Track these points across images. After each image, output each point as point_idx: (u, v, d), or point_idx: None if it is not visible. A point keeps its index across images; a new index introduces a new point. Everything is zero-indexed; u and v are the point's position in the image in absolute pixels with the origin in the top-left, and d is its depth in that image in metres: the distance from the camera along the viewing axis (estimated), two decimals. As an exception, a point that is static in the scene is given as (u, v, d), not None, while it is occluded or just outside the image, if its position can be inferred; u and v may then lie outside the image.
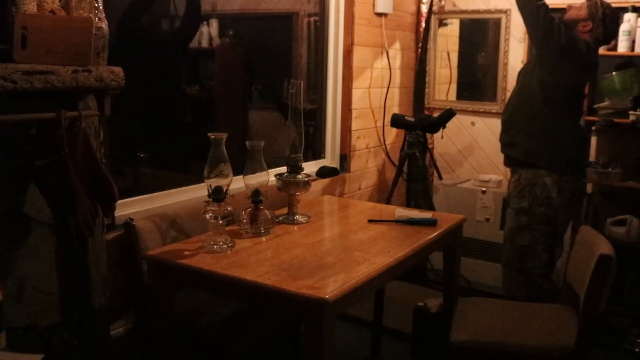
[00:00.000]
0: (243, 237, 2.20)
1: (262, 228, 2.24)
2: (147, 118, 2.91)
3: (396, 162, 3.91)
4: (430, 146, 4.26)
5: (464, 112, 4.25)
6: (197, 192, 2.68)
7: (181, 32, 3.12)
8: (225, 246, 2.05)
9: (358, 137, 3.79)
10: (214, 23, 3.43)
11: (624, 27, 3.34)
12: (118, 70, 1.84)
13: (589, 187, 3.70)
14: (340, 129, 3.71)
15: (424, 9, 4.21)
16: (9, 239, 1.75)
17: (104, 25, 1.85)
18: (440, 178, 4.09)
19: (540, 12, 2.83)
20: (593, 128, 3.65)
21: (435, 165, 4.13)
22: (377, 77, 3.90)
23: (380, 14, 3.81)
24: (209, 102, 3.47)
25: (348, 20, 3.60)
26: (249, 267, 1.90)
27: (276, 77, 3.78)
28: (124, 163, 2.78)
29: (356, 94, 3.71)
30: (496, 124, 3.21)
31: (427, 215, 2.56)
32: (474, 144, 4.30)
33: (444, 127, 3.72)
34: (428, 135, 3.95)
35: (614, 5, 3.01)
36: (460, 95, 4.40)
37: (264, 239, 2.20)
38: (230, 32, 3.56)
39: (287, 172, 2.43)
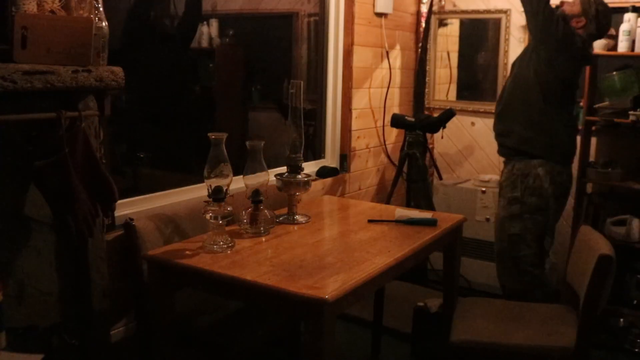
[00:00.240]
0: (243, 237, 2.20)
1: (262, 228, 2.24)
2: (147, 118, 2.91)
3: (396, 162, 3.91)
4: (430, 146, 4.26)
5: (464, 112, 4.25)
6: (197, 192, 2.68)
7: (181, 28, 3.12)
8: (225, 246, 2.05)
9: (358, 137, 3.79)
10: (214, 23, 3.43)
11: (624, 27, 3.34)
12: (118, 70, 1.84)
13: (589, 187, 3.70)
14: (340, 129, 3.71)
15: (424, 9, 4.22)
16: (9, 239, 1.75)
17: (104, 25, 1.85)
18: (440, 178, 4.09)
19: (540, 4, 2.86)
20: (593, 128, 3.65)
21: (435, 165, 4.13)
22: (377, 77, 3.90)
23: (380, 14, 3.81)
24: (209, 102, 3.47)
25: (348, 20, 3.60)
26: (249, 267, 1.90)
27: (276, 77, 3.78)
28: (124, 163, 2.78)
29: (356, 94, 3.71)
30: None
31: (427, 215, 2.56)
32: (474, 144, 4.30)
33: (444, 127, 3.72)
34: (428, 135, 3.95)
35: (614, 5, 3.02)
36: (460, 95, 4.40)
37: (264, 239, 2.20)
38: (230, 32, 3.56)
39: (287, 172, 2.43)
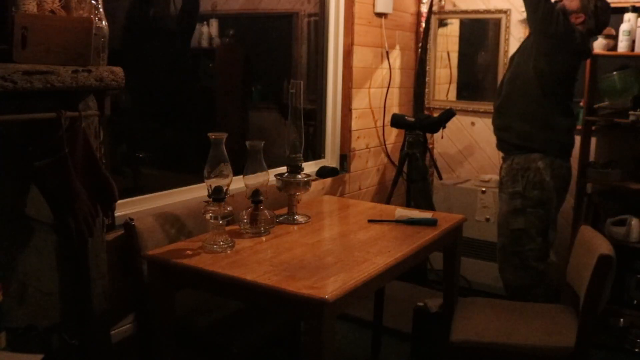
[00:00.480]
0: (243, 237, 2.20)
1: (262, 228, 2.24)
2: (146, 118, 2.91)
3: (396, 162, 3.91)
4: (430, 146, 4.26)
5: (464, 112, 4.25)
6: (197, 192, 2.68)
7: (179, 27, 3.12)
8: (225, 246, 2.05)
9: (358, 137, 3.79)
10: (214, 23, 3.42)
11: (624, 27, 3.34)
12: (118, 70, 1.84)
13: (589, 187, 3.70)
14: (340, 129, 3.71)
15: (424, 9, 4.22)
16: (9, 239, 1.75)
17: (104, 25, 1.85)
18: (440, 178, 4.09)
19: (541, 0, 2.86)
20: (593, 128, 3.65)
21: (435, 165, 4.13)
22: (377, 77, 3.90)
23: (380, 14, 3.81)
24: (209, 102, 3.47)
25: (348, 20, 3.60)
26: (249, 267, 1.90)
27: (276, 77, 3.78)
28: (124, 163, 2.77)
29: (356, 94, 3.71)
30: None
31: (427, 215, 2.56)
32: (474, 144, 4.30)
33: (444, 127, 3.72)
34: (428, 135, 3.95)
35: (614, 5, 3.02)
36: (460, 95, 4.40)
37: (264, 239, 2.20)
38: (230, 32, 3.56)
39: (287, 172, 2.43)
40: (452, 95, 4.42)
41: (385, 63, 3.95)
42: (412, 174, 3.73)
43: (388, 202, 3.66)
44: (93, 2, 1.83)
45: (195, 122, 3.16)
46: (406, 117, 3.73)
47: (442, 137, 4.31)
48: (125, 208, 2.37)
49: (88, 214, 1.78)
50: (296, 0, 3.76)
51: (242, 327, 2.32)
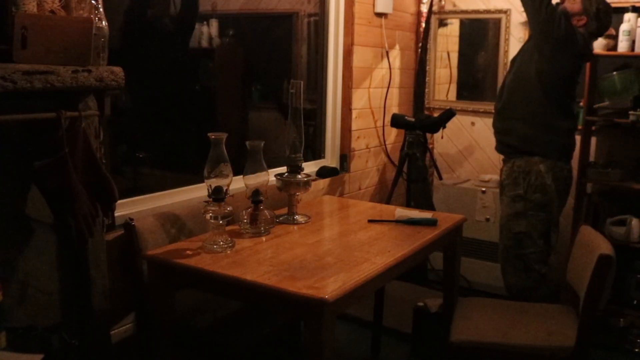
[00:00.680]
0: (243, 237, 2.20)
1: (262, 228, 2.24)
2: (146, 118, 2.91)
3: (396, 162, 3.91)
4: (430, 146, 4.26)
5: (464, 112, 4.25)
6: (197, 192, 2.68)
7: (178, 26, 3.11)
8: (225, 246, 2.05)
9: (358, 137, 3.79)
10: (214, 23, 3.42)
11: (624, 27, 3.34)
12: (118, 70, 1.84)
13: (589, 187, 3.70)
14: (340, 129, 3.71)
15: (424, 9, 4.22)
16: (9, 239, 1.75)
17: (104, 25, 1.85)
18: (440, 178, 4.09)
19: (543, 2, 2.86)
20: (593, 128, 3.65)
21: (435, 165, 4.13)
22: (377, 77, 3.90)
23: (380, 14, 3.81)
24: (209, 102, 3.47)
25: (348, 20, 3.60)
26: (249, 267, 1.90)
27: (276, 77, 3.78)
28: (124, 163, 2.77)
29: (356, 94, 3.71)
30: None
31: (427, 215, 2.56)
32: (474, 144, 4.30)
33: (444, 127, 3.72)
34: (428, 135, 3.95)
35: (614, 5, 3.02)
36: (460, 95, 4.40)
37: (264, 239, 2.20)
38: (230, 32, 3.56)
39: (287, 172, 2.43)
40: (452, 95, 4.42)
41: (385, 63, 3.95)
42: (412, 174, 3.73)
43: (388, 202, 3.66)
44: (93, 2, 1.83)
45: (195, 122, 3.16)
46: (406, 117, 3.73)
47: (442, 137, 4.31)
48: (125, 208, 2.37)
49: (88, 214, 1.78)
50: (296, 0, 3.76)
51: (242, 327, 2.32)
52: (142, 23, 2.88)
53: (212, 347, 2.23)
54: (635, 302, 3.43)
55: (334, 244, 2.23)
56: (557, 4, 2.99)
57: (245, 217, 2.25)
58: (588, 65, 3.42)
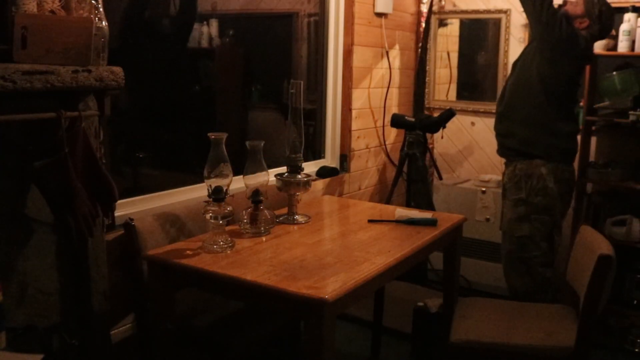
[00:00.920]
0: (243, 237, 2.20)
1: (262, 228, 2.24)
2: (146, 118, 2.91)
3: (396, 162, 3.91)
4: (430, 146, 4.26)
5: (464, 112, 4.25)
6: (197, 192, 2.68)
7: (176, 26, 3.12)
8: (225, 246, 2.05)
9: (358, 137, 3.79)
10: (214, 23, 3.42)
11: (624, 27, 3.34)
12: (118, 70, 1.84)
13: (589, 187, 3.70)
14: (340, 129, 3.71)
15: (424, 9, 4.22)
16: (9, 239, 1.75)
17: (104, 25, 1.85)
18: (440, 178, 4.09)
19: (543, 5, 2.85)
20: (593, 128, 3.65)
21: (435, 165, 4.13)
22: (377, 77, 3.90)
23: (380, 14, 3.81)
24: (209, 102, 3.47)
25: (348, 20, 3.60)
26: (249, 267, 1.90)
27: (276, 77, 3.78)
28: (124, 162, 2.77)
29: (356, 94, 3.71)
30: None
31: (427, 215, 2.56)
32: (474, 144, 4.30)
33: (444, 127, 3.72)
34: (428, 135, 3.95)
35: (614, 5, 3.01)
36: (460, 95, 4.40)
37: (264, 239, 2.20)
38: (230, 32, 3.56)
39: (287, 172, 2.43)
40: (452, 95, 4.42)
41: (385, 63, 3.95)
42: (412, 174, 3.73)
43: (388, 202, 3.66)
44: (93, 2, 1.83)
45: (195, 122, 3.16)
46: (406, 117, 3.74)
47: (442, 137, 4.31)
48: (125, 208, 2.37)
49: (88, 214, 1.78)
50: (296, 0, 3.76)
51: (242, 327, 2.32)
52: (142, 23, 2.89)
53: (212, 347, 2.23)
54: (635, 302, 3.43)
55: (334, 244, 2.23)
56: (559, 6, 2.98)
57: (245, 217, 2.25)
58: (588, 65, 3.41)
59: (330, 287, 1.74)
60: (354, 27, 3.60)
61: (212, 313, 2.35)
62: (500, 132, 3.14)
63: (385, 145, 4.08)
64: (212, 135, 2.04)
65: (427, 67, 4.32)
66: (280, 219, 2.42)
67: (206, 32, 3.40)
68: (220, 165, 2.04)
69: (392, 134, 4.14)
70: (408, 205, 3.71)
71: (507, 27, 4.05)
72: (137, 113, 2.82)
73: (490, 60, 4.19)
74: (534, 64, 2.96)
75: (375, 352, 3.01)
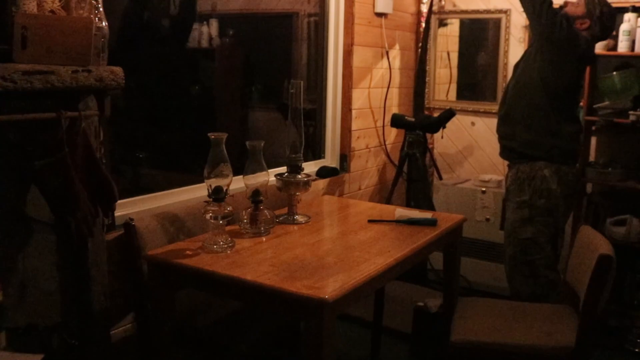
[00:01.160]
0: (243, 237, 2.20)
1: (262, 228, 2.24)
2: (147, 118, 2.91)
3: (396, 162, 3.91)
4: (430, 146, 4.27)
5: (464, 112, 4.25)
6: (197, 192, 2.68)
7: (175, 26, 3.12)
8: (225, 246, 2.05)
9: (358, 137, 3.79)
10: (214, 23, 3.42)
11: (624, 27, 3.34)
12: (118, 70, 1.84)
13: (589, 187, 3.70)
14: (340, 129, 3.71)
15: (424, 9, 4.22)
16: (9, 239, 1.75)
17: (104, 25, 1.85)
18: (440, 178, 4.09)
19: (543, 6, 2.84)
20: (593, 128, 3.65)
21: (435, 165, 4.13)
22: (377, 77, 3.90)
23: (380, 14, 3.81)
24: (209, 102, 3.47)
25: (348, 20, 3.60)
26: (249, 267, 1.90)
27: (276, 77, 3.78)
28: (124, 162, 2.77)
29: (356, 94, 3.71)
30: (496, 123, 3.24)
31: (427, 215, 2.56)
32: (474, 144, 4.30)
33: (444, 127, 3.72)
34: (428, 135, 3.95)
35: (614, 5, 3.01)
36: (460, 95, 4.40)
37: (264, 239, 2.20)
38: (230, 32, 3.56)
39: (287, 172, 2.43)
40: (452, 95, 4.42)
41: (385, 63, 3.95)
42: (412, 174, 3.73)
43: (388, 202, 3.66)
44: (93, 2, 1.83)
45: (195, 122, 3.16)
46: (406, 117, 3.74)
47: (442, 137, 4.31)
48: (125, 208, 2.37)
49: (88, 214, 1.78)
50: (296, 0, 3.76)
51: (242, 327, 2.32)
52: (142, 23, 2.89)
53: (212, 347, 2.23)
54: (635, 302, 3.43)
55: (334, 244, 2.23)
56: (560, 7, 2.98)
57: (245, 217, 2.25)
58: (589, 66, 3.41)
59: (330, 287, 1.74)
60: (354, 27, 3.60)
61: (212, 313, 2.35)
62: (503, 135, 3.12)
63: (385, 145, 4.08)
64: (212, 135, 2.04)
65: (427, 67, 4.32)
66: (280, 219, 2.42)
67: (206, 32, 3.41)
68: (220, 165, 2.04)
69: (392, 134, 4.14)
70: (408, 205, 3.71)
71: (507, 27, 4.05)
72: (137, 113, 2.82)
73: (490, 60, 4.19)
74: (535, 66, 2.95)
75: (375, 352, 3.01)
